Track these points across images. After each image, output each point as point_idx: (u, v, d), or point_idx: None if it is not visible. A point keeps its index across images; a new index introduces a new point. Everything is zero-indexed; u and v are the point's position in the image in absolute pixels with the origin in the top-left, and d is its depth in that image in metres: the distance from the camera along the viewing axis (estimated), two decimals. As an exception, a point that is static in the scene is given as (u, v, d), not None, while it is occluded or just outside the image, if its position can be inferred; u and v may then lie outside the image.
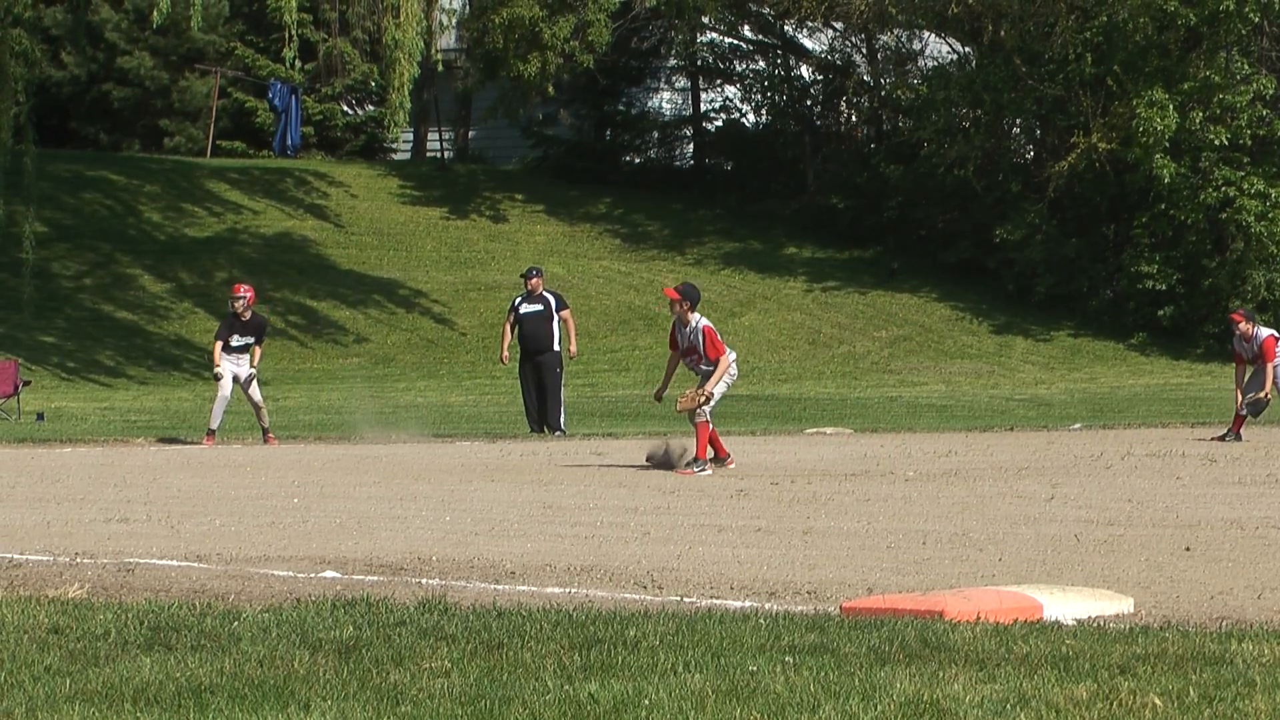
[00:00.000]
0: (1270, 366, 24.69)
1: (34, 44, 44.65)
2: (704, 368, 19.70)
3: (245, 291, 25.80)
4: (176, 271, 46.18)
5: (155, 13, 39.11)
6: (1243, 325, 25.16)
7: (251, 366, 25.46)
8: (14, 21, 41.59)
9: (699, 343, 19.60)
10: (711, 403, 19.43)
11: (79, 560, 11.84)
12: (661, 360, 44.85)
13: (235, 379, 25.38)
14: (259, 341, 25.65)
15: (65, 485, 18.31)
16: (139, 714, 6.75)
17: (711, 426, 19.73)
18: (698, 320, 19.70)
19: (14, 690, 7.19)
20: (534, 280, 27.45)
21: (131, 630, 8.55)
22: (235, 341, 25.44)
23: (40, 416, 31.90)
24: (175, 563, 11.73)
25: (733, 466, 19.65)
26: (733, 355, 19.76)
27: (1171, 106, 46.44)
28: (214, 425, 25.47)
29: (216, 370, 25.44)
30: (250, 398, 25.52)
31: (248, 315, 25.53)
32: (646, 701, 6.86)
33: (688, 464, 19.41)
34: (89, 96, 55.47)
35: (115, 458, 22.83)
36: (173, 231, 48.44)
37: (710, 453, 19.60)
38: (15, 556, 11.98)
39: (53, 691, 7.13)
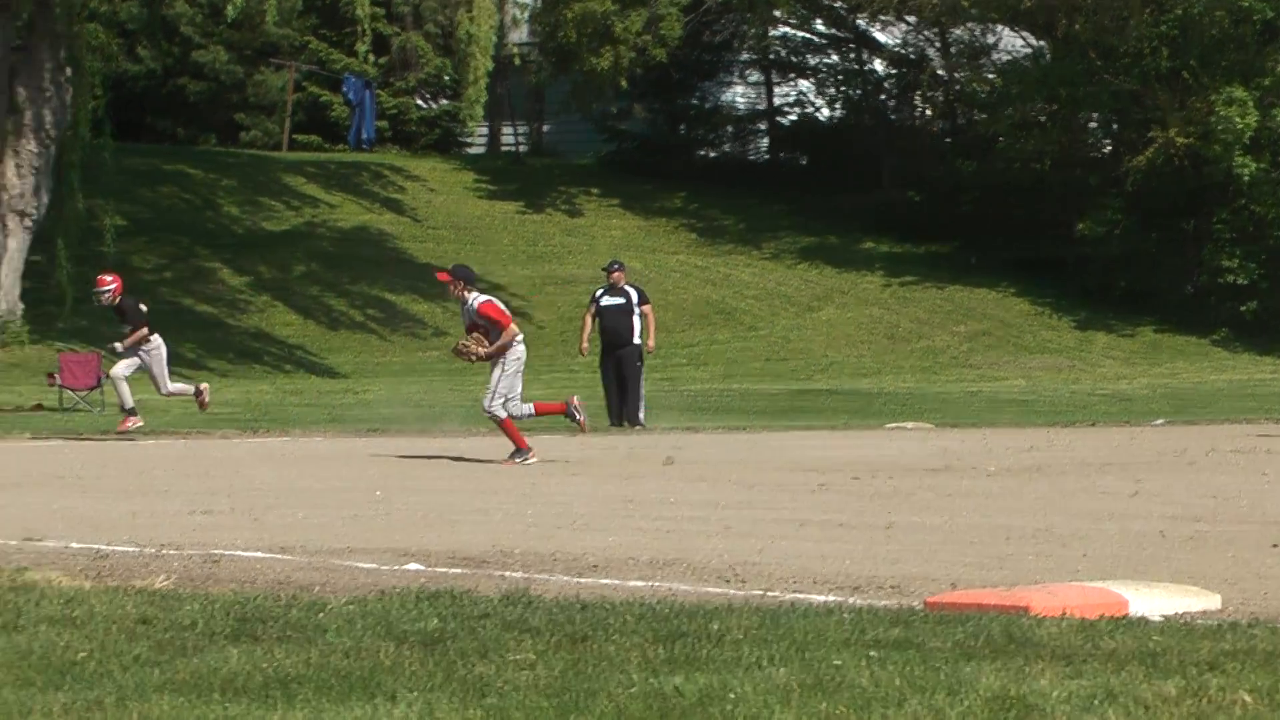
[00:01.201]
0: None
1: (110, 38, 44.94)
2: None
3: (107, 285, 25.08)
4: (255, 265, 46.39)
5: (230, 7, 39.20)
6: None
7: (124, 347, 25.20)
8: (90, 16, 41.82)
9: (480, 321, 19.74)
10: (495, 385, 19.59)
11: (165, 551, 11.91)
12: (741, 354, 45.04)
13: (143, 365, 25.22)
14: (133, 324, 24.98)
15: (149, 477, 18.41)
16: (227, 704, 6.78)
17: (511, 417, 19.81)
18: (474, 298, 19.89)
19: (103, 679, 7.24)
20: (616, 273, 27.41)
21: (218, 621, 8.58)
22: (124, 330, 25.25)
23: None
24: (260, 554, 11.78)
25: (534, 460, 19.68)
26: (519, 336, 19.83)
27: (1251, 103, 46.09)
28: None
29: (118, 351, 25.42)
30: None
31: (116, 304, 25.03)
32: (731, 695, 6.85)
33: (510, 456, 19.74)
34: (164, 90, 55.80)
35: (198, 450, 22.96)
36: (250, 225, 48.68)
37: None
38: (102, 547, 12.06)
39: (142, 681, 7.17)
